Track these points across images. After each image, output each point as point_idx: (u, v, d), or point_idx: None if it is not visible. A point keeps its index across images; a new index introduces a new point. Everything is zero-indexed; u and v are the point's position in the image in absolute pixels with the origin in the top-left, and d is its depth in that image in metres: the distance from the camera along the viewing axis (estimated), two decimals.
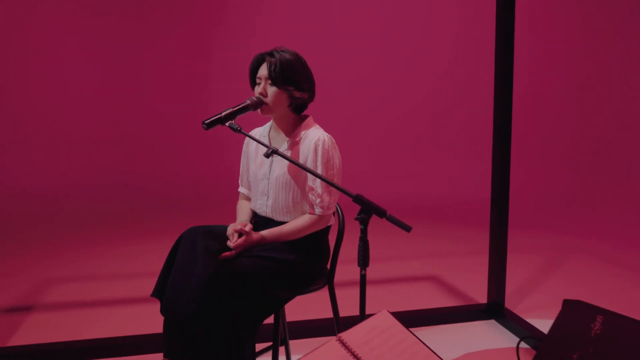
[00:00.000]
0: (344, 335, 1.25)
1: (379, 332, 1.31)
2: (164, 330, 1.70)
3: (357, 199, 1.62)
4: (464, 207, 5.36)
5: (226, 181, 5.36)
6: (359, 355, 1.21)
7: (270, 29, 6.13)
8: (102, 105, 6.15)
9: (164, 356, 1.66)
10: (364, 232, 1.63)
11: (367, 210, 1.61)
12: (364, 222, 1.62)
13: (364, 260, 1.63)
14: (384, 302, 3.09)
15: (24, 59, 5.86)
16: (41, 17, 5.88)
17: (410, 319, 2.76)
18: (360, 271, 1.65)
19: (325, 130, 1.96)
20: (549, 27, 5.91)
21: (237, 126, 1.78)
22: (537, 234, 4.49)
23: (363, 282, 1.66)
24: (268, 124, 2.05)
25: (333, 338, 1.23)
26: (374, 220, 1.68)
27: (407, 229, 1.57)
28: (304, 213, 1.93)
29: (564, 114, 5.86)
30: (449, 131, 6.16)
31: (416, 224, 4.81)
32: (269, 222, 1.97)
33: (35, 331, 2.74)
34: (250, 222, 1.99)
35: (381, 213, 1.59)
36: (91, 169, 5.96)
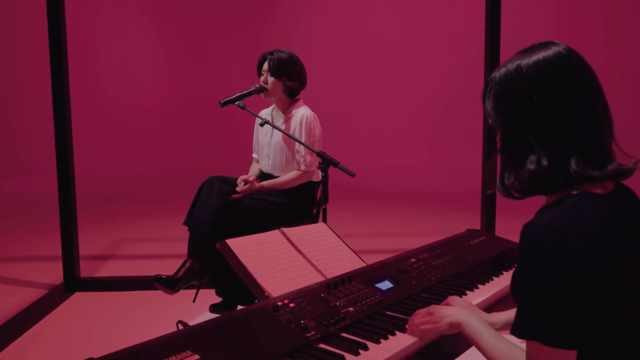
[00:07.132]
0: (285, 229, 1.91)
1: (313, 234, 1.96)
2: (189, 241, 2.44)
3: (319, 154, 2.31)
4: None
5: None
6: (293, 242, 1.86)
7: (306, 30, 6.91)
8: (175, 101, 7.19)
9: (187, 257, 2.40)
10: (325, 177, 2.31)
11: (326, 162, 2.29)
12: (324, 170, 2.30)
13: (324, 197, 2.31)
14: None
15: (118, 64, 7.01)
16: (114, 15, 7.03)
17: None
18: (321, 206, 2.32)
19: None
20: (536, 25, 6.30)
21: (242, 105, 2.51)
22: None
23: (324, 214, 2.33)
24: (272, 106, 2.76)
25: (277, 230, 1.90)
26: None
27: (352, 174, 2.23)
28: (294, 170, 2.63)
29: None
30: (457, 125, 6.67)
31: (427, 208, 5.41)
32: (270, 177, 2.68)
33: (113, 269, 3.64)
34: (257, 178, 2.71)
35: (334, 163, 2.26)
36: (164, 156, 7.00)
